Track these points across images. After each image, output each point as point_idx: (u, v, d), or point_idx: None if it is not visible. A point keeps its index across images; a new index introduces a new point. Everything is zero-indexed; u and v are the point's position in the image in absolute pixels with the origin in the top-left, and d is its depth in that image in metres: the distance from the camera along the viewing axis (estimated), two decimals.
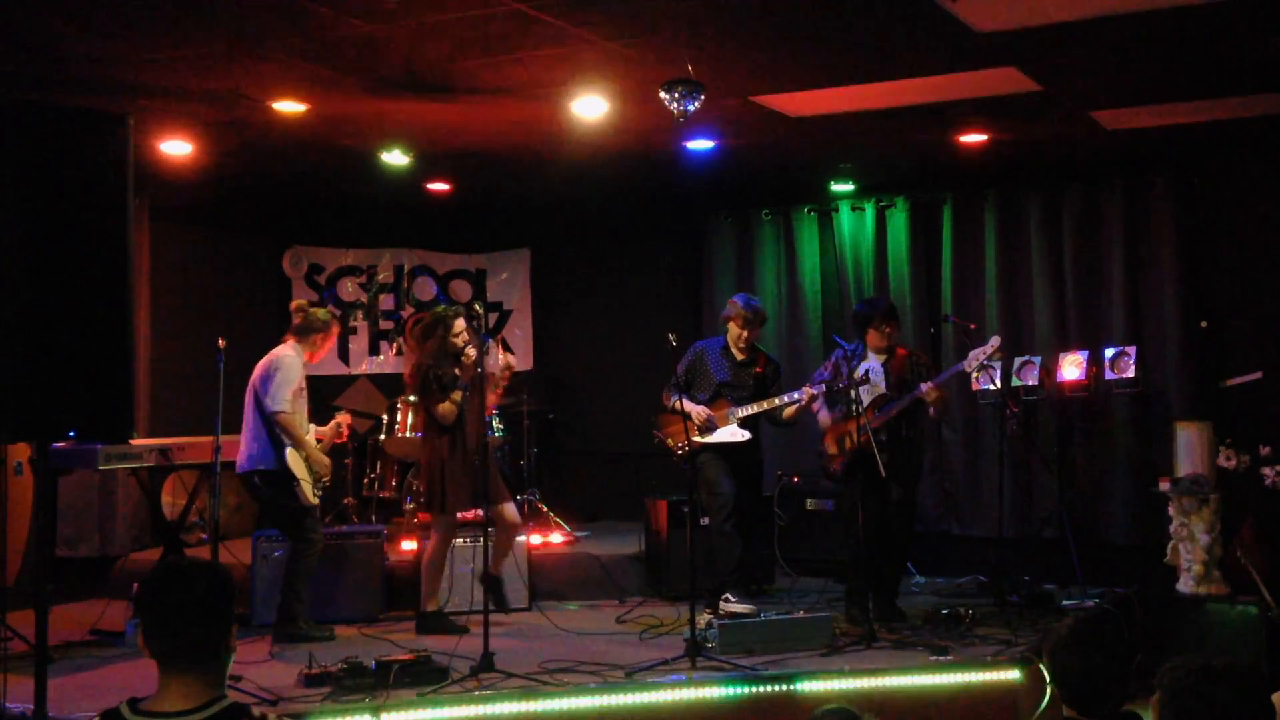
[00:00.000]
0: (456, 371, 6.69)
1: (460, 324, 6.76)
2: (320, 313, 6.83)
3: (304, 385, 6.56)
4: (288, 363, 6.46)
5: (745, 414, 6.90)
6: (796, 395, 6.82)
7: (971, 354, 6.78)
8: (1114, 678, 3.19)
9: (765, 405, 6.90)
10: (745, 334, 7.00)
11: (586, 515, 9.15)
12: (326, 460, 6.59)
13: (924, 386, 6.64)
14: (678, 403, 6.65)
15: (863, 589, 6.56)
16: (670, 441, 6.95)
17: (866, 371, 6.74)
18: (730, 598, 6.74)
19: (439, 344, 6.72)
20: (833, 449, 6.87)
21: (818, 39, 5.43)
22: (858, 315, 7.07)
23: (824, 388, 6.76)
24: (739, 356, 7.06)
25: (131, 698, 2.57)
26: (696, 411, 6.87)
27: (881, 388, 6.83)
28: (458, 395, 6.62)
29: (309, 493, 6.45)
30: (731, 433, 6.89)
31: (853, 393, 6.46)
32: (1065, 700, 3.21)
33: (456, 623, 6.63)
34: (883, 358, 6.91)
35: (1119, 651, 3.21)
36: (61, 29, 5.16)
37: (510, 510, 6.77)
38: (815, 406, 6.94)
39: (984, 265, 8.54)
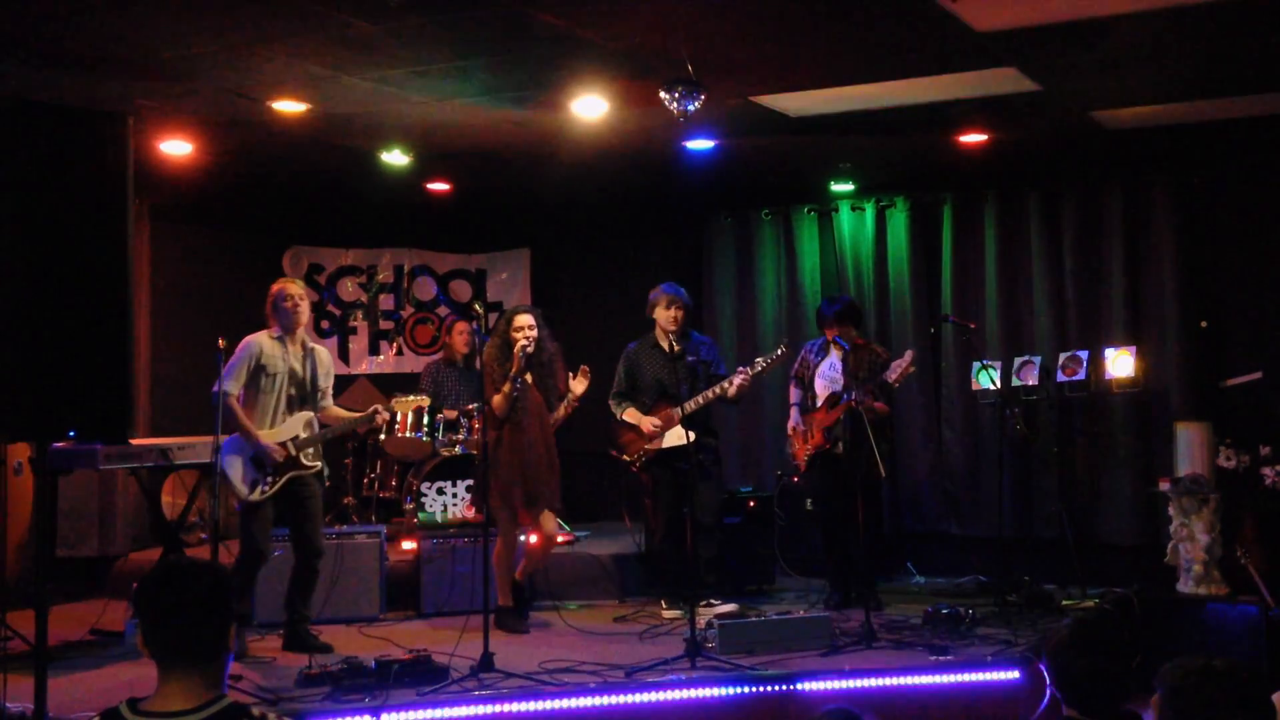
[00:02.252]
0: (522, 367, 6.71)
1: (521, 319, 6.73)
2: (280, 285, 6.31)
3: (276, 369, 6.13)
4: (246, 343, 6.13)
5: (686, 412, 6.75)
6: (730, 380, 6.88)
7: (893, 365, 7.03)
8: (1116, 678, 3.18)
9: (703, 400, 6.88)
10: (673, 314, 6.99)
11: (586, 515, 9.14)
12: (272, 446, 6.08)
13: (878, 405, 7.00)
14: (627, 412, 7.06)
15: (839, 578, 7.20)
16: (626, 457, 7.12)
17: (827, 368, 7.20)
18: (664, 604, 7.05)
19: (501, 338, 6.76)
20: (798, 442, 7.28)
21: (818, 39, 5.43)
22: (817, 315, 7.49)
23: (749, 372, 6.88)
24: (669, 349, 7.05)
25: (131, 698, 2.56)
26: (644, 423, 7.03)
27: (838, 385, 7.02)
28: (507, 388, 6.63)
29: (240, 490, 6.05)
30: (678, 435, 6.80)
31: (811, 392, 7.13)
32: (1067, 701, 3.20)
33: (521, 623, 6.71)
34: (842, 351, 7.03)
35: (1120, 651, 3.21)
36: (62, 28, 5.16)
37: (548, 520, 6.78)
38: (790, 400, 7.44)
39: (984, 265, 8.54)
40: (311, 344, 6.38)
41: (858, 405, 6.70)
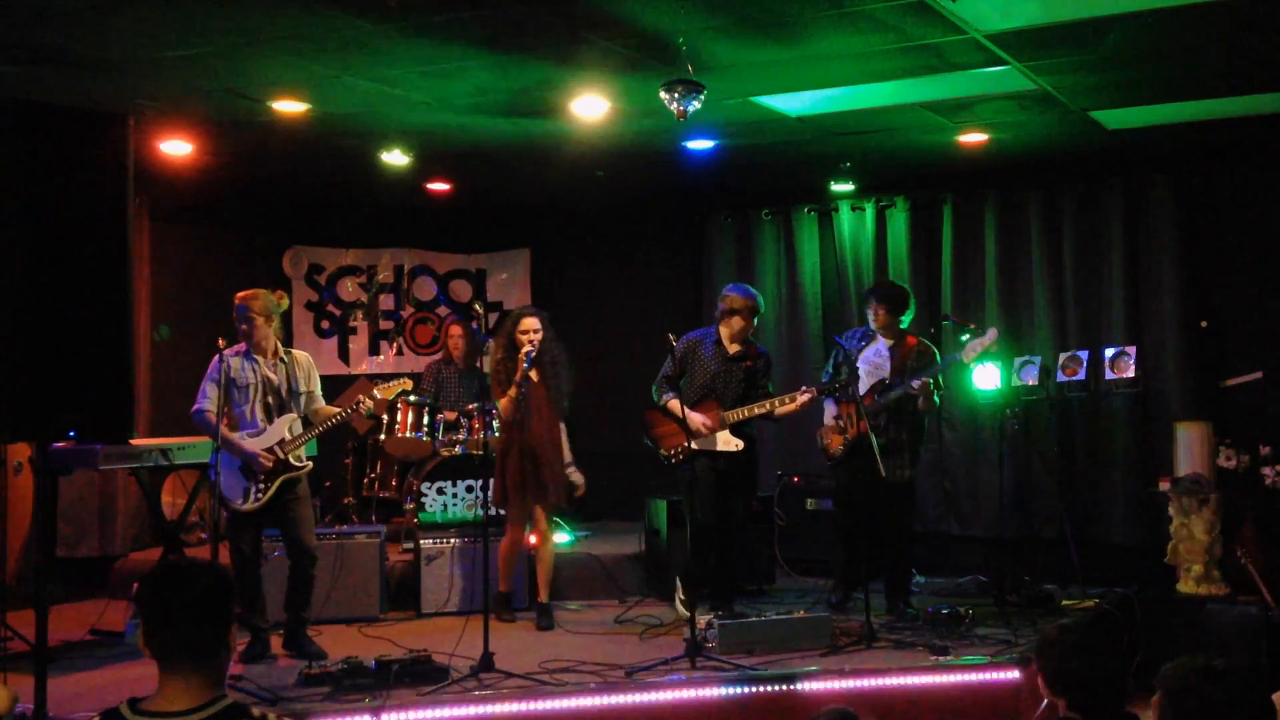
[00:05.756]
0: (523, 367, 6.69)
1: (527, 322, 6.73)
2: (245, 300, 6.12)
3: (248, 381, 6.06)
4: (214, 362, 6.00)
5: (736, 419, 6.70)
6: (791, 398, 6.69)
7: (969, 345, 6.86)
8: (1119, 678, 3.19)
9: (756, 410, 6.70)
10: (747, 325, 6.80)
11: (586, 515, 9.14)
12: (259, 453, 6.00)
13: (915, 383, 6.72)
14: (671, 403, 6.64)
15: (852, 576, 6.95)
16: (663, 449, 6.79)
17: (872, 354, 6.95)
18: (682, 597, 6.92)
19: (507, 340, 6.76)
20: (832, 435, 7.01)
21: (818, 39, 5.43)
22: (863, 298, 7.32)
23: (815, 391, 6.71)
24: (731, 350, 6.87)
25: (131, 697, 2.57)
26: (695, 420, 6.64)
27: (885, 372, 6.89)
28: (513, 391, 6.65)
29: (233, 501, 6.00)
30: (725, 440, 6.68)
31: (849, 380, 6.69)
32: (1070, 704, 3.20)
33: (512, 614, 6.86)
34: (891, 341, 6.95)
35: (1122, 652, 3.22)
36: (62, 28, 5.16)
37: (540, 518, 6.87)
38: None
39: (984, 265, 8.54)
40: (286, 351, 6.22)
41: (915, 393, 6.68)
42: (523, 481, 6.73)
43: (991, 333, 6.90)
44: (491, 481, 6.67)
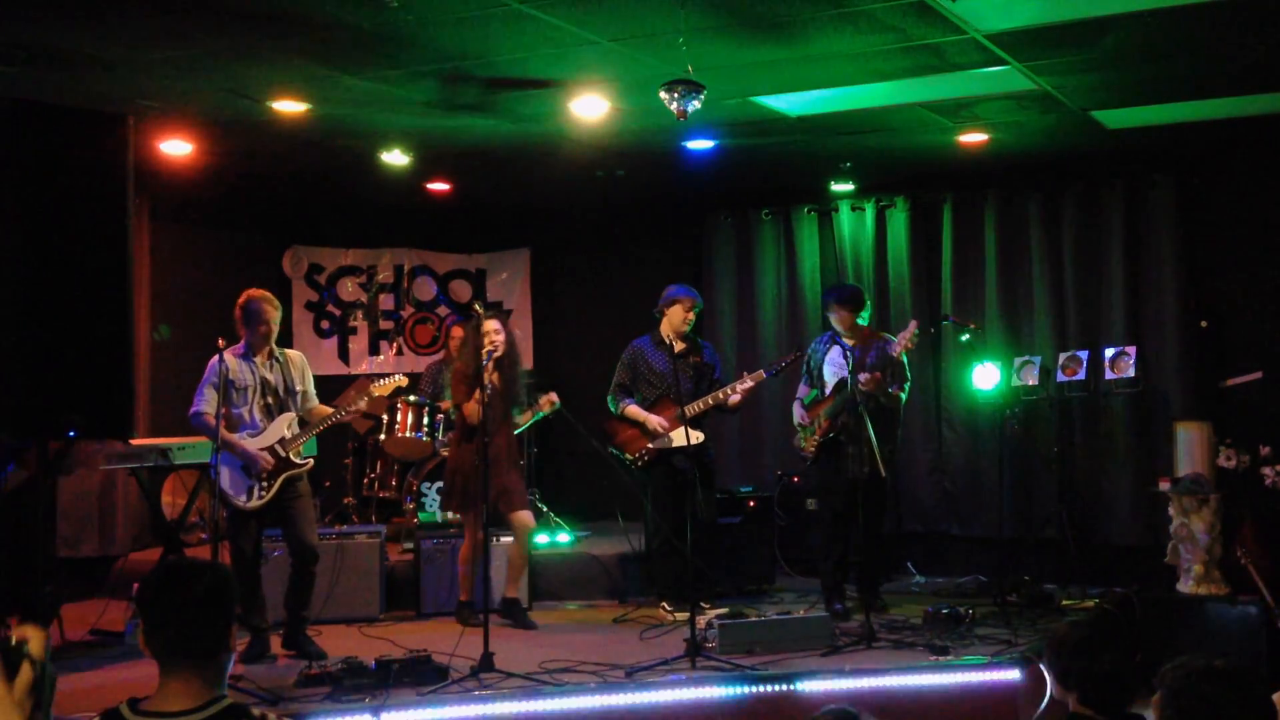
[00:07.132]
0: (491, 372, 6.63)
1: (489, 324, 6.70)
2: (256, 301, 6.16)
3: (246, 382, 6.08)
4: (210, 364, 6.00)
5: (694, 412, 6.80)
6: (738, 384, 6.86)
7: (898, 340, 6.91)
8: (1132, 675, 3.21)
9: (711, 401, 6.87)
10: (691, 317, 7.00)
11: (586, 515, 9.14)
12: (259, 454, 6.00)
13: (862, 377, 6.78)
14: (629, 409, 6.97)
15: (837, 579, 7.03)
16: (628, 454, 7.00)
17: (836, 355, 7.00)
18: (667, 606, 6.97)
19: (473, 345, 6.72)
20: (805, 438, 7.09)
21: (817, 39, 5.43)
22: (822, 302, 7.43)
23: (761, 375, 6.87)
24: (677, 347, 7.02)
25: (131, 698, 2.56)
26: (652, 421, 6.92)
27: (846, 371, 6.90)
28: (479, 395, 6.59)
29: (236, 500, 6.02)
30: (683, 435, 6.72)
31: (820, 383, 6.98)
32: (1083, 700, 3.20)
33: (475, 617, 6.65)
34: (853, 341, 7.00)
35: (1130, 648, 3.24)
36: (62, 29, 5.16)
37: (524, 517, 6.80)
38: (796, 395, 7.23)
39: (984, 265, 8.54)
40: (280, 350, 6.24)
41: (863, 388, 6.68)
42: (482, 488, 6.61)
43: (912, 324, 6.99)
44: (445, 484, 6.67)
